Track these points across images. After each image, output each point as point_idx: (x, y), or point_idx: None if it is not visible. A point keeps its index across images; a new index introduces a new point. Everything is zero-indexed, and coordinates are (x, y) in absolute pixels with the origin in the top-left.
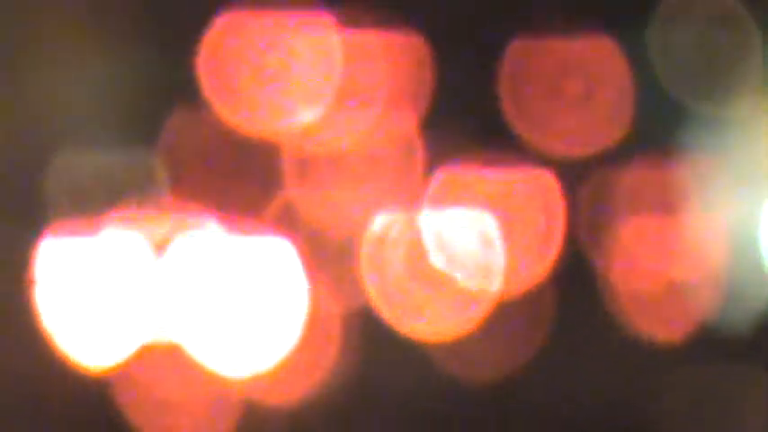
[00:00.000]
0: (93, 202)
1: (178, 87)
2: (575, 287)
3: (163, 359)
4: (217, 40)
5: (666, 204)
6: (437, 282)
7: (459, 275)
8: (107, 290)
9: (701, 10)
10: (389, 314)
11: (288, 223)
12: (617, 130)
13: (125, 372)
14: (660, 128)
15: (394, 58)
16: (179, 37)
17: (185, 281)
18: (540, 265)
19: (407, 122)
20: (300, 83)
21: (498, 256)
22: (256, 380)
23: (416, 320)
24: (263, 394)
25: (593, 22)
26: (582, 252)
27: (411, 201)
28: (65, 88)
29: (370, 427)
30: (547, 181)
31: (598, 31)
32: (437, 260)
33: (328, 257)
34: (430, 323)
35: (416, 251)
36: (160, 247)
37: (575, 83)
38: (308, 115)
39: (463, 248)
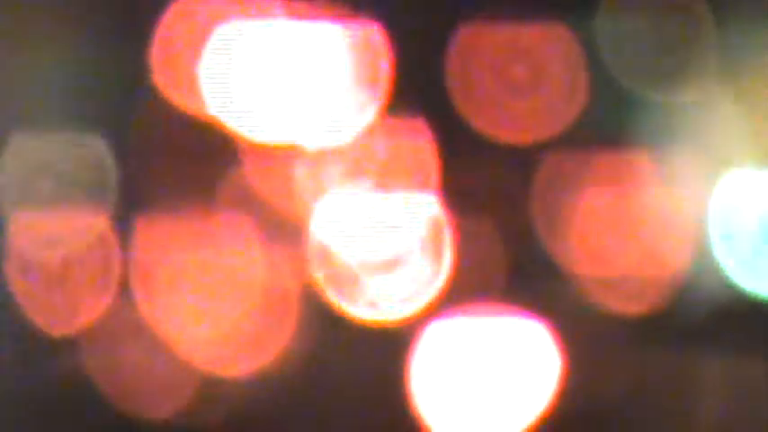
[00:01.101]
0: (42, 188)
1: (131, 73)
2: (526, 272)
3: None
4: (171, 25)
5: (618, 190)
6: (387, 265)
7: (408, 260)
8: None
9: None
10: (338, 296)
11: (242, 204)
12: (567, 117)
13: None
14: (611, 114)
15: (344, 46)
16: (133, 22)
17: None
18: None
19: (363, 109)
20: (254, 69)
21: (447, 242)
22: (210, 352)
23: (366, 303)
24: (216, 366)
25: (543, 7)
26: (535, 237)
27: (364, 184)
28: (16, 74)
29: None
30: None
31: (548, 16)
32: (387, 244)
33: (282, 237)
34: (380, 306)
35: (366, 234)
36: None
37: (524, 69)
38: (263, 101)
39: (413, 233)
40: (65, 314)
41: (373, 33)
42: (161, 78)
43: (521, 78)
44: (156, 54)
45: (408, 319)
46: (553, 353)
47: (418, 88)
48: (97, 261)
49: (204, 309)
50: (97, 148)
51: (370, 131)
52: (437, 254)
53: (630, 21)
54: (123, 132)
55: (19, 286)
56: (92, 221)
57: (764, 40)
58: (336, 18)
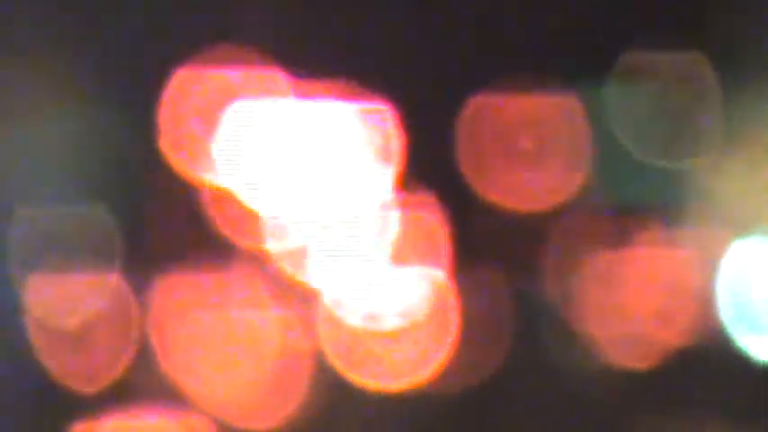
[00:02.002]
0: (51, 257)
1: (138, 144)
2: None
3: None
4: (175, 96)
5: (625, 255)
6: (394, 334)
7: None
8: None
9: (658, 67)
10: (345, 362)
11: (252, 274)
12: (575, 186)
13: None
14: (618, 181)
15: (356, 124)
16: (139, 93)
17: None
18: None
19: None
20: (265, 146)
21: (455, 311)
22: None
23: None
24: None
25: (551, 79)
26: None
27: (376, 256)
28: (23, 145)
29: None
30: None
31: (556, 88)
32: (396, 313)
33: (294, 301)
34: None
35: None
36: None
37: (533, 140)
38: (275, 176)
39: (422, 303)
40: (85, 373)
41: (383, 110)
42: (168, 147)
43: (529, 148)
44: (164, 123)
45: (414, 387)
46: None
47: (428, 161)
48: (116, 322)
49: (219, 368)
50: (105, 216)
51: (382, 205)
52: (445, 323)
53: (637, 89)
54: (133, 200)
55: (40, 347)
56: (107, 286)
57: None
58: (348, 97)
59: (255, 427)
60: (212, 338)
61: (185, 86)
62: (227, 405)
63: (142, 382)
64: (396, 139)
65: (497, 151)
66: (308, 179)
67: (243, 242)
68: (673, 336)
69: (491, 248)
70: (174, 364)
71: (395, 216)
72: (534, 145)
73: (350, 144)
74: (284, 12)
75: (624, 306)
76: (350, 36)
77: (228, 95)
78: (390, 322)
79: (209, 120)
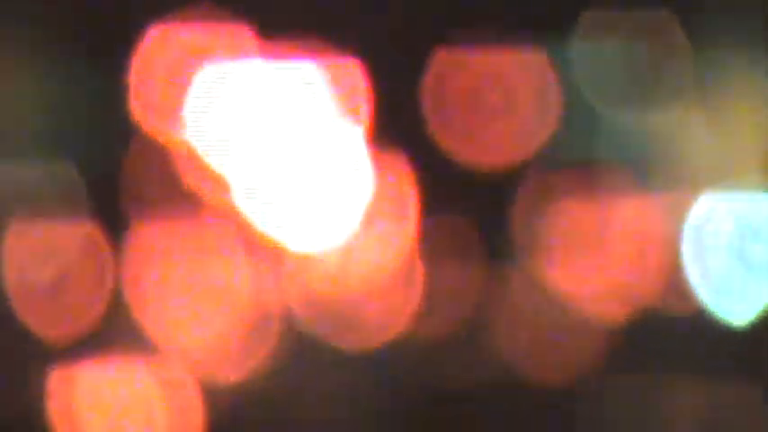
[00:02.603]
0: (22, 212)
1: (105, 99)
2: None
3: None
4: (146, 53)
5: (592, 214)
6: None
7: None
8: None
9: (626, 20)
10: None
11: (222, 229)
12: (541, 141)
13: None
14: (585, 136)
15: (322, 82)
16: (108, 48)
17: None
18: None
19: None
20: (232, 98)
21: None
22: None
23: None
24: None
25: (518, 33)
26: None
27: (344, 212)
28: None
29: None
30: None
31: (522, 42)
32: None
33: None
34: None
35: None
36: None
37: (500, 94)
38: (237, 131)
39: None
40: (60, 322)
41: (351, 67)
42: (138, 105)
43: (496, 102)
44: (133, 81)
45: (384, 342)
46: None
47: (396, 117)
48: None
49: (191, 318)
50: (75, 172)
51: (351, 161)
52: (412, 279)
53: (604, 43)
54: (103, 157)
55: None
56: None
57: (738, 60)
58: (315, 54)
59: (225, 377)
60: (183, 290)
61: (155, 45)
62: (198, 355)
63: (116, 333)
64: (364, 95)
65: (464, 106)
66: (278, 136)
67: (212, 199)
68: (639, 292)
69: (458, 204)
70: (147, 315)
71: (364, 172)
72: (502, 99)
73: (318, 101)
74: None
75: (591, 261)
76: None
77: (198, 54)
78: (358, 279)
79: (178, 78)
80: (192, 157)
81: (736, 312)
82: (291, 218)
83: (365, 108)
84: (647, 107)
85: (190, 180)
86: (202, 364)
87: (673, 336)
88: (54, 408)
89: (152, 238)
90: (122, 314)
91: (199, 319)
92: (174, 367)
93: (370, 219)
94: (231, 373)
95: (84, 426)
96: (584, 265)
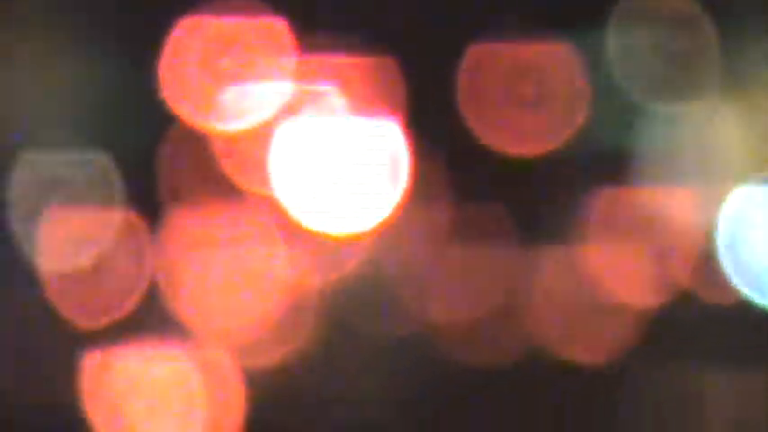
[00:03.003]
0: (51, 202)
1: (140, 89)
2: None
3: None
4: (178, 42)
5: (626, 202)
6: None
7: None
8: None
9: (657, 11)
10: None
11: (257, 215)
12: (574, 130)
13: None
14: (617, 128)
15: (353, 69)
16: (142, 39)
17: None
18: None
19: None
20: (260, 88)
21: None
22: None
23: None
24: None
25: (549, 24)
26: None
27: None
28: (24, 89)
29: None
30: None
31: (554, 33)
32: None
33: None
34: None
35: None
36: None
37: (533, 85)
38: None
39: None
40: (96, 310)
41: (386, 64)
42: (171, 94)
43: (528, 93)
44: (166, 71)
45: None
46: None
47: (430, 110)
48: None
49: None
50: (109, 161)
51: (387, 155)
52: (445, 265)
53: (635, 35)
54: (137, 146)
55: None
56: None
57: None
58: (349, 49)
59: (260, 362)
60: (218, 276)
61: (188, 35)
62: (232, 340)
63: (151, 319)
64: (399, 91)
65: (498, 98)
66: (313, 132)
67: (248, 186)
68: (670, 279)
69: (493, 193)
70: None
71: (400, 165)
72: (535, 91)
73: (353, 97)
74: None
75: (624, 249)
76: None
77: (231, 45)
78: (393, 264)
79: (211, 69)
80: (228, 145)
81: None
82: (327, 206)
83: (400, 101)
84: (678, 98)
85: (226, 168)
86: (239, 349)
87: (707, 323)
88: (90, 395)
89: (188, 226)
90: (159, 301)
91: (235, 304)
92: (211, 353)
93: (406, 207)
94: (267, 358)
95: (122, 412)
96: (618, 253)
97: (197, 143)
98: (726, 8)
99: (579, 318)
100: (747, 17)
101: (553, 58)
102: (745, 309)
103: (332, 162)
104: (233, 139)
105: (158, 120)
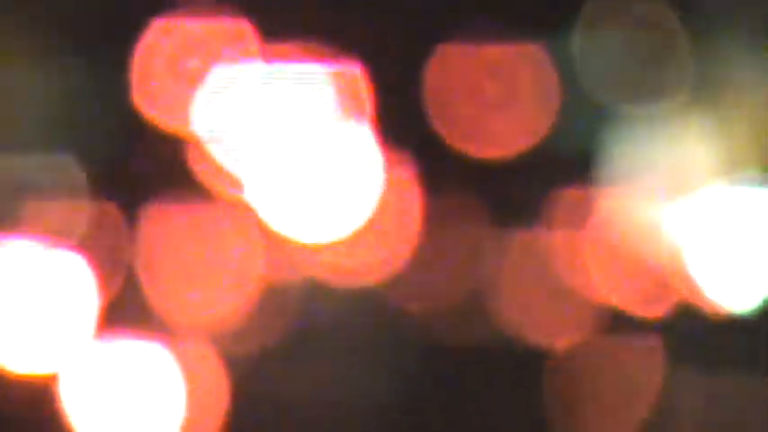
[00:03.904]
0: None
1: (109, 91)
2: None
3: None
4: (148, 45)
5: (591, 204)
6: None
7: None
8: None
9: (626, 13)
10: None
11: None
12: (542, 132)
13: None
14: (584, 130)
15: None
16: (110, 41)
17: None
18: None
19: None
20: (229, 91)
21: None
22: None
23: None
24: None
25: (517, 26)
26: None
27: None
28: None
29: None
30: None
31: (523, 35)
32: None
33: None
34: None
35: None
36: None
37: (499, 87)
38: (237, 121)
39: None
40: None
41: (352, 65)
42: (140, 98)
43: (496, 96)
44: (136, 75)
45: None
46: None
47: (398, 114)
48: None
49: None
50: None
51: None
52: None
53: (605, 36)
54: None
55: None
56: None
57: (738, 55)
58: (316, 56)
59: (236, 350)
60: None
61: (158, 39)
62: (210, 333)
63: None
64: (366, 95)
65: (466, 100)
66: (283, 132)
67: (219, 190)
68: (645, 282)
69: (463, 196)
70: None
71: (370, 166)
72: (502, 93)
73: (321, 99)
74: None
75: (592, 251)
76: None
77: (201, 48)
78: (364, 268)
79: (181, 72)
80: (199, 149)
81: (738, 303)
82: (299, 211)
83: (368, 104)
84: (648, 100)
85: (197, 171)
86: (218, 341)
87: (674, 325)
88: (68, 389)
89: (159, 230)
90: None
91: (211, 298)
92: (190, 346)
93: (377, 211)
94: (245, 350)
95: (102, 406)
96: (583, 256)
97: (167, 146)
98: (696, 9)
99: (546, 312)
100: (718, 19)
101: (522, 60)
102: (711, 311)
103: (303, 166)
104: (203, 143)
105: (128, 122)
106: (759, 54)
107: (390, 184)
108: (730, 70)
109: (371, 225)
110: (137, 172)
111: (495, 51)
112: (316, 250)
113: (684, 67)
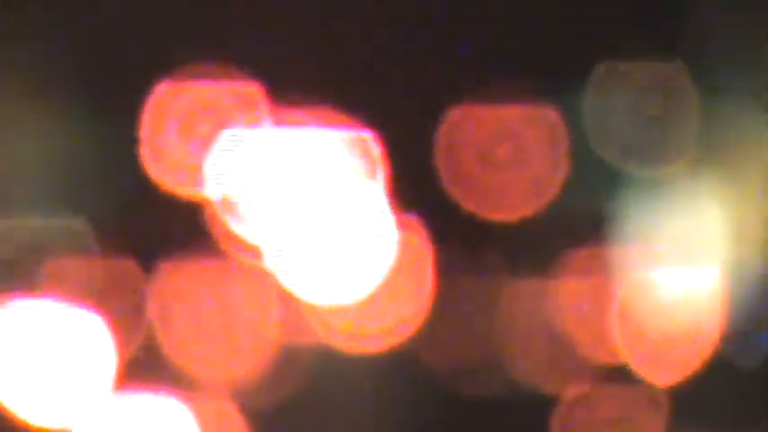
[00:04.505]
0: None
1: (119, 152)
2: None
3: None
4: (156, 107)
5: (602, 266)
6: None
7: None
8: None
9: (636, 75)
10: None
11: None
12: (553, 194)
13: None
14: (595, 192)
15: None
16: (118, 102)
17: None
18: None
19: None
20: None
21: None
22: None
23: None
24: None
25: (528, 88)
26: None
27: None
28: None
29: None
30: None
31: (533, 97)
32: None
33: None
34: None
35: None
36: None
37: (510, 148)
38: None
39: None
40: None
41: (366, 136)
42: (148, 159)
43: (507, 157)
44: (144, 135)
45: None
46: None
47: (410, 177)
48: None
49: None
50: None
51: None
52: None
53: (614, 98)
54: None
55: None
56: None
57: (748, 116)
58: (328, 121)
59: (255, 404)
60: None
61: (166, 100)
62: (226, 386)
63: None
64: (379, 160)
65: (477, 161)
66: (295, 203)
67: (231, 253)
68: (659, 338)
69: (474, 258)
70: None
71: (384, 229)
72: (514, 153)
73: (334, 164)
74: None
75: (604, 310)
76: (328, 58)
77: (210, 112)
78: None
79: (188, 134)
80: (212, 211)
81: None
82: (313, 274)
83: (381, 168)
84: (657, 162)
85: (208, 234)
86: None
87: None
88: None
89: (174, 288)
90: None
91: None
92: (209, 400)
93: (391, 274)
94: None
95: None
96: (598, 314)
97: (180, 208)
98: (707, 69)
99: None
100: (728, 78)
101: (532, 122)
102: (725, 366)
103: (317, 229)
104: (216, 205)
105: (137, 184)
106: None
107: (403, 247)
108: (739, 131)
109: (385, 288)
110: (150, 232)
111: (505, 112)
112: (330, 313)
113: (694, 128)
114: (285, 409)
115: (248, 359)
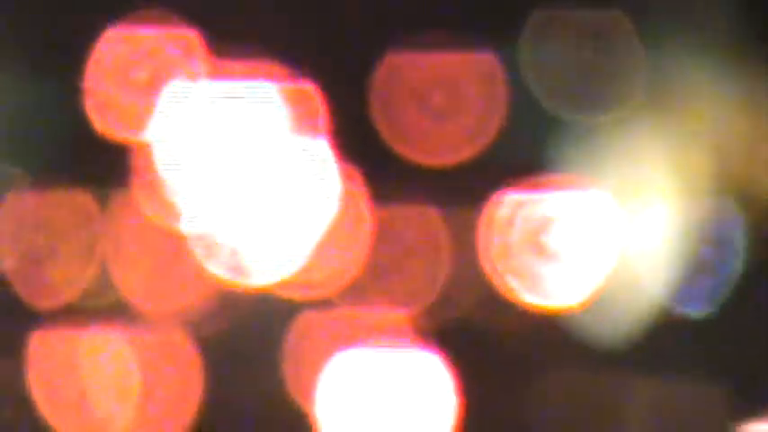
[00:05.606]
0: None
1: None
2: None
3: None
4: (101, 55)
5: (542, 213)
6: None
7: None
8: None
9: (574, 23)
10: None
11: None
12: (488, 140)
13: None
14: (533, 138)
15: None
16: (61, 51)
17: None
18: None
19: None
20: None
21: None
22: None
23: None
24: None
25: (466, 35)
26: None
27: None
28: None
29: None
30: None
31: (471, 44)
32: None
33: None
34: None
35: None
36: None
37: (446, 95)
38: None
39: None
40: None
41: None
42: (92, 108)
43: (443, 104)
44: (88, 85)
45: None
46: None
47: (346, 125)
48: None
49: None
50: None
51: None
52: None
53: (554, 44)
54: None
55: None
56: None
57: (690, 62)
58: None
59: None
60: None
61: (109, 49)
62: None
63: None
64: (320, 111)
65: (413, 109)
66: (232, 156)
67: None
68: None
69: (410, 204)
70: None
71: (323, 186)
72: (450, 101)
73: (272, 117)
74: None
75: (537, 257)
76: (268, 10)
77: (151, 61)
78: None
79: (133, 82)
80: (149, 160)
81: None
82: (254, 226)
83: (321, 119)
84: (597, 109)
85: (145, 182)
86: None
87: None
88: (41, 378)
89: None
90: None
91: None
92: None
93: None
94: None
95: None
96: (530, 261)
97: (117, 155)
98: (647, 16)
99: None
100: (668, 26)
101: (470, 68)
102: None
103: (256, 183)
104: (152, 150)
105: (77, 131)
106: (710, 60)
107: (344, 197)
108: (681, 77)
109: (326, 239)
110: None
111: (443, 60)
112: (274, 264)
113: (633, 75)
114: (229, 341)
115: (193, 293)
